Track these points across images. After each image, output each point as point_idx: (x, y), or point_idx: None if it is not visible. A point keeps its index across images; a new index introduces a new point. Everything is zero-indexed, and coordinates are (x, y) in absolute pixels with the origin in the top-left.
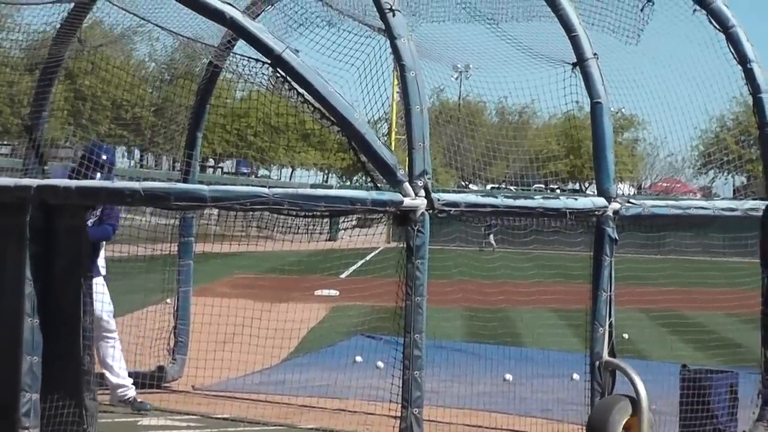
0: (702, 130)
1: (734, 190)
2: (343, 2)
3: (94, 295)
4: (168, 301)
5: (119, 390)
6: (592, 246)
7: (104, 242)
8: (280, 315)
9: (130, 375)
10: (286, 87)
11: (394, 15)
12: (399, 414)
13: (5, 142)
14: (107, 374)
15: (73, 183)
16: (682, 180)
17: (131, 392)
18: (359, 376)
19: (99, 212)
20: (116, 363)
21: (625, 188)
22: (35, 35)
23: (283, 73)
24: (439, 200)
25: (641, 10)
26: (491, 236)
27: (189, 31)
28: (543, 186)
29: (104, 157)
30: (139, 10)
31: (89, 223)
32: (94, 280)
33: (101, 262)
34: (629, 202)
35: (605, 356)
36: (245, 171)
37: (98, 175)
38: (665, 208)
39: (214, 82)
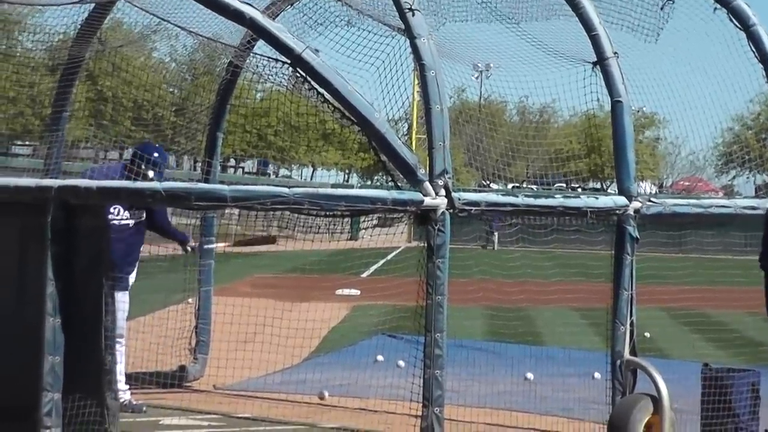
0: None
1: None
2: (363, 2)
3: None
4: (189, 300)
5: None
6: (613, 245)
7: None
8: (301, 314)
9: (151, 375)
10: (306, 87)
11: (413, 14)
12: (420, 413)
13: (27, 143)
14: None
15: (94, 183)
16: (704, 179)
17: (127, 395)
18: (380, 375)
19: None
20: (118, 366)
21: (646, 187)
22: (56, 36)
23: (303, 73)
24: (459, 199)
25: (661, 9)
26: (496, 235)
27: (208, 31)
28: (564, 185)
29: (156, 155)
30: (159, 10)
31: (130, 223)
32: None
33: (133, 275)
34: (650, 200)
35: (626, 355)
36: (268, 171)
37: (151, 173)
38: (686, 207)
39: (235, 82)
